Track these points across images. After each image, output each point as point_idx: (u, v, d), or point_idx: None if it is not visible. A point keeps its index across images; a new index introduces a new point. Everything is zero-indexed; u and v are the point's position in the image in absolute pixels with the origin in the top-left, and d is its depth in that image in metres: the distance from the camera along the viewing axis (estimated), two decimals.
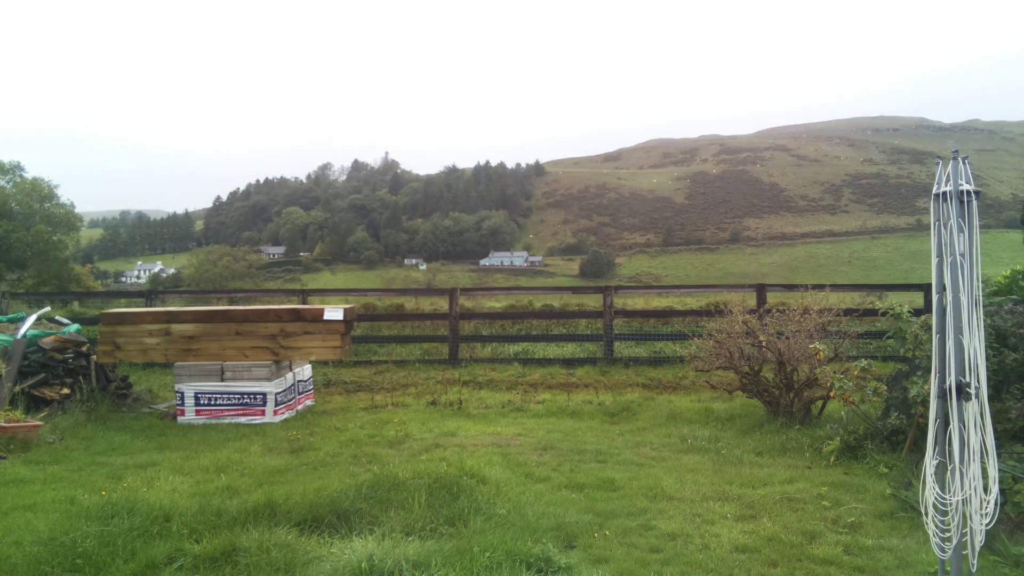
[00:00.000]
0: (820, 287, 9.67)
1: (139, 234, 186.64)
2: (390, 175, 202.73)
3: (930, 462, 3.57)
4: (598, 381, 11.72)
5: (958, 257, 3.46)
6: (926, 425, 3.65)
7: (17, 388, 8.61)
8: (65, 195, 36.22)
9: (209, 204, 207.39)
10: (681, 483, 6.21)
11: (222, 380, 9.22)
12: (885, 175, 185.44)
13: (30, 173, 35.46)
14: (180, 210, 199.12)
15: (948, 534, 3.49)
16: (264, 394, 9.10)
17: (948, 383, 3.48)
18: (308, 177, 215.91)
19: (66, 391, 9.10)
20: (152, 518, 4.84)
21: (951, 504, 3.46)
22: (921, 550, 4.62)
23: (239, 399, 9.13)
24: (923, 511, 3.58)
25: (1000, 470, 4.02)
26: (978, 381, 3.44)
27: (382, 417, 9.06)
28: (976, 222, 3.47)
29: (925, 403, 5.63)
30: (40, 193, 34.24)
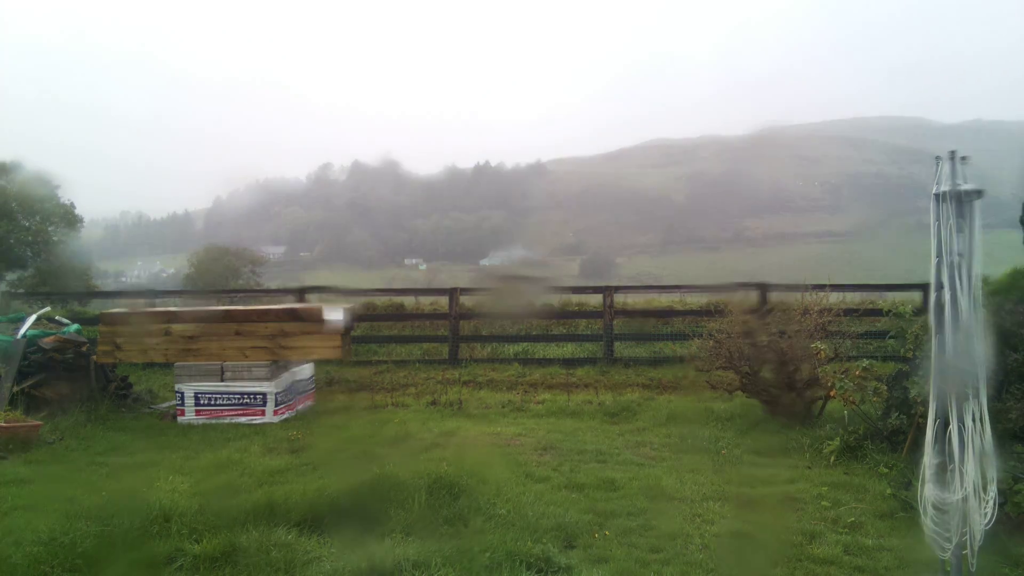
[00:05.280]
0: (820, 287, 9.64)
1: (139, 234, 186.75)
2: (390, 175, 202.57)
3: (930, 462, 3.57)
4: (598, 381, 11.71)
5: (956, 257, 3.45)
6: (926, 425, 3.65)
7: (17, 388, 8.61)
8: (65, 195, 36.11)
9: (209, 204, 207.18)
10: (681, 483, 6.21)
11: (222, 380, 9.22)
12: (885, 175, 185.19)
13: (31, 174, 35.54)
14: (180, 210, 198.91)
15: (948, 534, 3.49)
16: (264, 394, 9.10)
17: None
18: (308, 177, 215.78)
19: (66, 391, 9.10)
20: (152, 518, 4.83)
21: (951, 504, 3.45)
22: (921, 550, 4.61)
23: (239, 399, 9.14)
24: (922, 511, 3.58)
25: (1000, 470, 4.01)
26: (977, 381, 3.43)
27: (382, 417, 9.05)
28: (976, 222, 3.46)
29: (925, 403, 5.63)
30: (41, 193, 34.28)
